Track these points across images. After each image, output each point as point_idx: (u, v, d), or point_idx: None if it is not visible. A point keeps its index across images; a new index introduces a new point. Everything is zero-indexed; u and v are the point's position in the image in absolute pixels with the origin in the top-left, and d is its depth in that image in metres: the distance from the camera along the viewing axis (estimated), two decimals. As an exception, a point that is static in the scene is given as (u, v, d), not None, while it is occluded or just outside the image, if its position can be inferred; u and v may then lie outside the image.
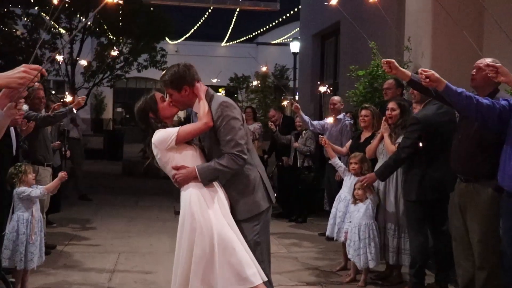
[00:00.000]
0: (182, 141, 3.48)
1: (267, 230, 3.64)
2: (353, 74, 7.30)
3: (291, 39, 20.40)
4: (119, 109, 37.02)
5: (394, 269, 5.53)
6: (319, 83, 6.35)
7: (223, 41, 35.30)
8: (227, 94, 31.87)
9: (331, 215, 5.89)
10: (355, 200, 5.38)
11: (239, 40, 35.12)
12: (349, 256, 5.38)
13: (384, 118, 5.39)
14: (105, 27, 16.51)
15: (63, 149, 7.65)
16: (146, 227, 8.01)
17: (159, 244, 6.98)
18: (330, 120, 5.93)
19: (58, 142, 7.32)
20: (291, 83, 20.58)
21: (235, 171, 3.48)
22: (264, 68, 5.14)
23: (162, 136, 3.47)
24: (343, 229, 5.62)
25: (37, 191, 4.81)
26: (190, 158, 3.50)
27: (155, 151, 3.52)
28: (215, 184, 3.50)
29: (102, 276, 5.55)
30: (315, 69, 13.89)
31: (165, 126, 3.57)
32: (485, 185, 4.20)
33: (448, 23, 6.46)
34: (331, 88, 6.31)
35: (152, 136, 3.56)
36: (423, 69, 3.82)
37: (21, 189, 4.78)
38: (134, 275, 5.66)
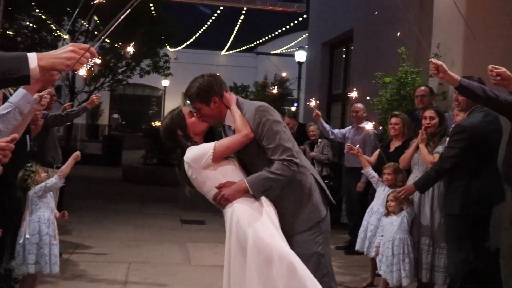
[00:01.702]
0: (220, 157, 3.11)
1: (328, 240, 3.30)
2: (379, 81, 6.98)
3: (296, 48, 20.09)
4: (116, 115, 36.62)
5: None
6: (348, 92, 6.00)
7: (223, 50, 35.06)
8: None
9: (362, 228, 5.53)
10: (388, 212, 5.04)
11: (238, 50, 34.93)
12: (381, 272, 5.02)
13: (423, 127, 5.06)
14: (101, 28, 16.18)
15: None
16: (153, 235, 7.62)
17: (170, 254, 6.59)
18: (369, 126, 5.61)
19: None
20: (294, 93, 20.25)
21: (288, 178, 3.12)
22: (284, 74, 4.82)
23: (197, 153, 3.12)
24: (373, 243, 5.27)
25: (52, 179, 4.45)
26: (230, 174, 3.13)
27: (189, 172, 3.15)
28: (262, 198, 3.12)
29: (114, 288, 5.18)
30: (324, 78, 13.62)
31: (196, 143, 3.22)
32: (542, 200, 3.88)
33: (481, 29, 6.20)
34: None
35: (181, 156, 3.21)
36: (494, 66, 3.50)
37: (37, 187, 4.41)
38: (148, 287, 5.27)
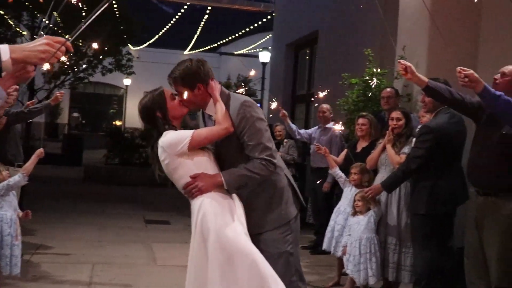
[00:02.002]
0: (196, 147, 3.04)
1: (298, 240, 3.28)
2: (345, 82, 7.03)
3: (260, 49, 20.12)
4: (76, 114, 35.98)
5: (393, 286, 5.23)
6: (319, 92, 6.00)
7: (185, 50, 34.84)
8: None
9: (329, 228, 5.56)
10: (355, 212, 5.08)
11: (201, 49, 34.77)
12: (348, 271, 5.06)
13: (390, 128, 5.12)
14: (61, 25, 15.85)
15: None
16: (117, 236, 7.51)
17: (135, 254, 6.50)
18: (338, 127, 5.64)
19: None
20: (258, 94, 20.26)
21: (264, 178, 3.10)
22: (252, 73, 4.80)
23: (174, 139, 3.04)
24: (340, 243, 5.31)
25: (15, 177, 4.34)
26: (204, 165, 3.05)
27: (162, 156, 3.06)
28: (233, 195, 3.08)
29: (78, 289, 5.07)
30: (288, 79, 13.67)
31: (174, 128, 3.16)
32: (506, 199, 3.96)
33: (444, 32, 6.32)
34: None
35: (156, 138, 3.13)
36: (462, 68, 3.56)
37: None
38: (113, 288, 5.20)
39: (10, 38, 15.35)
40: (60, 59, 2.12)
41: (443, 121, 4.64)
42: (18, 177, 4.34)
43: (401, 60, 4.08)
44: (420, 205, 4.68)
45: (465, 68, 3.57)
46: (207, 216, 2.93)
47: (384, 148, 5.19)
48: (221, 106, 3.10)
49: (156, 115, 3.15)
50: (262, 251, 3.01)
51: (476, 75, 3.52)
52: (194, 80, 3.12)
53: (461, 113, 4.52)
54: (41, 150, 4.54)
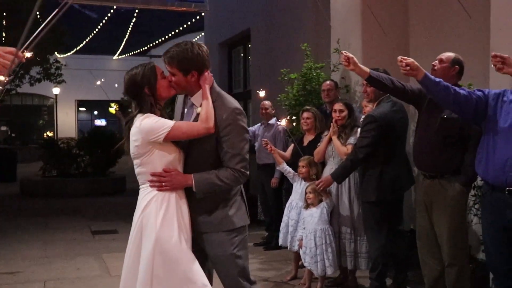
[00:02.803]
0: (172, 139, 2.98)
1: (247, 247, 3.23)
2: (285, 78, 7.12)
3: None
4: (4, 128, 34.62)
5: (349, 274, 5.36)
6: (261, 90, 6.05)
7: (115, 55, 34.19)
8: (121, 109, 30.83)
9: (283, 224, 5.61)
10: (308, 205, 5.16)
11: (131, 53, 34.21)
12: (305, 264, 5.13)
13: (333, 120, 5.22)
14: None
15: None
16: (65, 249, 7.29)
17: (86, 267, 6.34)
18: (283, 122, 5.68)
19: None
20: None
21: (232, 188, 3.09)
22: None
23: (152, 125, 2.94)
24: (295, 237, 5.38)
25: None
26: (169, 161, 3.01)
27: (135, 136, 2.97)
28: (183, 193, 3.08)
29: (32, 309, 4.91)
30: (223, 78, 13.69)
31: (159, 108, 3.07)
32: (451, 181, 4.15)
33: (377, 24, 6.51)
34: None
35: (135, 114, 3.03)
36: (403, 57, 3.69)
37: None
38: (69, 303, 5.07)
39: None
40: (10, 69, 2.05)
41: (386, 110, 4.79)
42: None
43: (344, 51, 4.18)
44: (369, 193, 4.82)
45: (405, 57, 3.69)
46: (151, 214, 2.95)
47: (330, 140, 5.29)
48: (208, 104, 3.01)
49: (144, 91, 3.04)
50: (207, 252, 3.10)
51: (416, 63, 3.66)
52: (190, 65, 3.03)
53: (403, 101, 4.68)
54: None
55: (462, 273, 4.19)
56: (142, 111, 3.03)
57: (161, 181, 2.97)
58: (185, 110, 3.27)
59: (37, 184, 13.42)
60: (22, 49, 2.18)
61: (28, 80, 17.33)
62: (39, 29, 2.12)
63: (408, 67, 3.66)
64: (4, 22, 15.51)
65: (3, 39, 15.55)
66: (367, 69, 4.25)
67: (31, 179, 14.01)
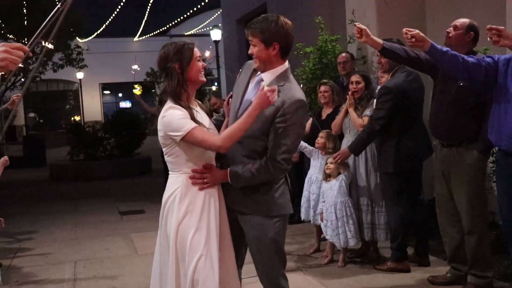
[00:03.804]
0: (187, 143, 2.89)
1: (285, 235, 3.18)
2: (300, 52, 7.11)
3: (211, 27, 19.98)
4: (32, 114, 35.26)
5: (370, 245, 5.41)
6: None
7: (135, 36, 34.34)
8: (144, 90, 31.11)
9: (304, 199, 5.65)
10: (326, 176, 5.19)
11: (151, 34, 34.33)
12: (327, 236, 5.19)
13: (349, 92, 5.22)
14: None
15: None
16: (94, 231, 7.49)
17: (115, 247, 6.51)
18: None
19: None
20: (214, 72, 20.17)
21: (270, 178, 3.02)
22: (207, 54, 4.78)
23: (173, 121, 2.85)
24: (317, 210, 5.43)
25: None
26: (194, 155, 2.95)
27: (159, 125, 2.93)
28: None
29: (63, 288, 5.09)
30: (242, 55, 13.68)
31: (184, 95, 2.94)
32: (469, 148, 4.15)
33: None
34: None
35: (166, 93, 2.94)
36: (408, 29, 3.66)
37: None
38: (99, 282, 5.22)
39: None
40: (18, 65, 2.11)
41: (401, 80, 4.77)
42: None
43: (357, 23, 4.16)
44: (387, 164, 4.83)
45: (410, 29, 3.65)
46: (175, 201, 2.94)
47: (346, 113, 5.29)
48: (243, 124, 2.83)
49: (174, 66, 2.91)
50: (247, 233, 3.08)
51: (422, 34, 3.62)
52: (272, 37, 2.91)
53: (417, 70, 4.66)
54: (5, 158, 4.49)
55: (482, 240, 4.21)
56: (168, 88, 2.93)
57: (203, 178, 2.94)
58: (249, 86, 3.12)
59: (66, 168, 13.71)
60: (32, 47, 2.23)
61: (52, 67, 17.53)
62: (42, 26, 2.16)
63: (413, 39, 3.63)
64: (24, 10, 15.72)
65: (25, 26, 15.77)
66: (380, 41, 4.22)
67: (60, 163, 14.31)
